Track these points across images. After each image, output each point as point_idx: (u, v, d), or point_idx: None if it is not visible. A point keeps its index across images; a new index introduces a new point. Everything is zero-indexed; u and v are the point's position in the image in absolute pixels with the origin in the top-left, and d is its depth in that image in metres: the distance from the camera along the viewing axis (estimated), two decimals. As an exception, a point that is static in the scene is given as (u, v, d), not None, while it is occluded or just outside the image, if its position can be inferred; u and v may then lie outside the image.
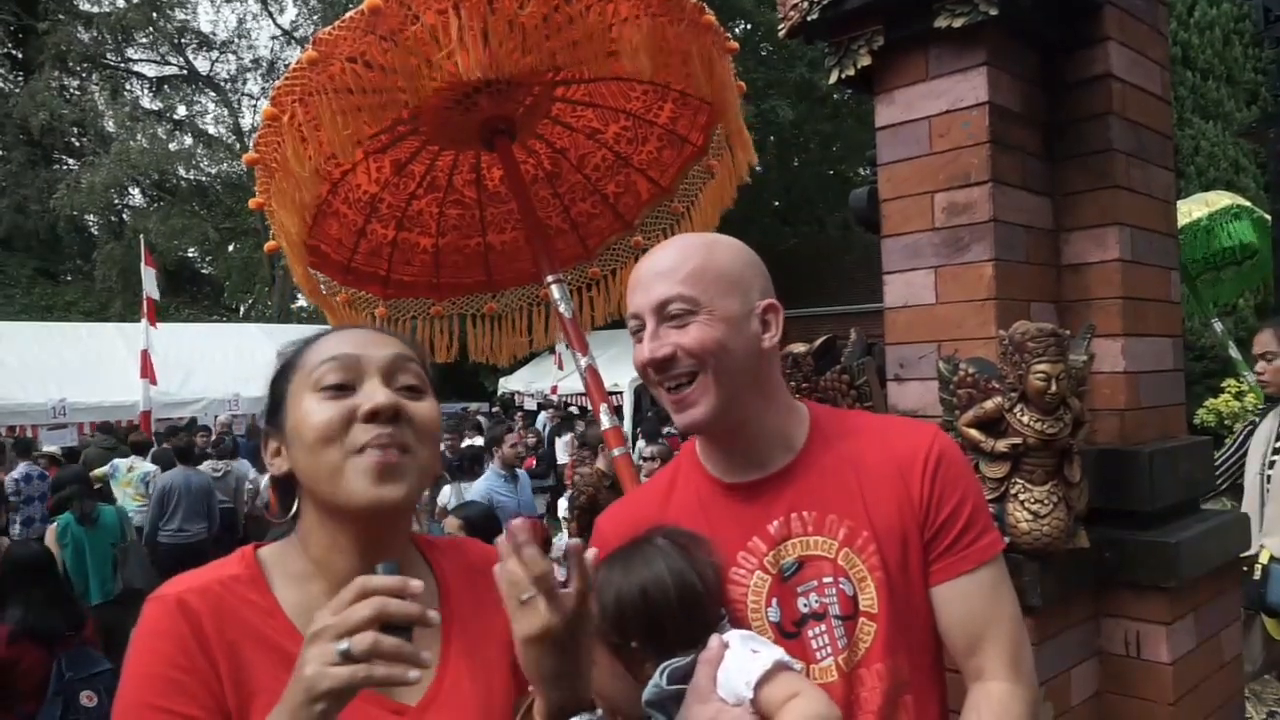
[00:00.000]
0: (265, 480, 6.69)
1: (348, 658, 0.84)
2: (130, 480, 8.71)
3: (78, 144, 26.62)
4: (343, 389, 1.08)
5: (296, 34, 26.00)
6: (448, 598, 1.19)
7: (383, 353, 1.12)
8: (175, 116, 27.02)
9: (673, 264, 1.28)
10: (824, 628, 1.26)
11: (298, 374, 1.12)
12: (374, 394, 1.08)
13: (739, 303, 1.28)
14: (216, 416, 12.56)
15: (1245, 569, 3.57)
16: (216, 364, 14.02)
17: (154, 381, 10.24)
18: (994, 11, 2.03)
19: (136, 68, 27.48)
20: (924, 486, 1.29)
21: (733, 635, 1.21)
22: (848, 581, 1.26)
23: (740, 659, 1.17)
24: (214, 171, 26.69)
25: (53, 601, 3.98)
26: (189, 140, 26.83)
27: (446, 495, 7.63)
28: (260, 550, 1.14)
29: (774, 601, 1.28)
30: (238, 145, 25.70)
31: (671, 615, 1.22)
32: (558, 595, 1.03)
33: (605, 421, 2.97)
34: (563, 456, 12.47)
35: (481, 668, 1.15)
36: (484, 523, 4.24)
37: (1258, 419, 3.84)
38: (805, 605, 1.27)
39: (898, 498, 1.29)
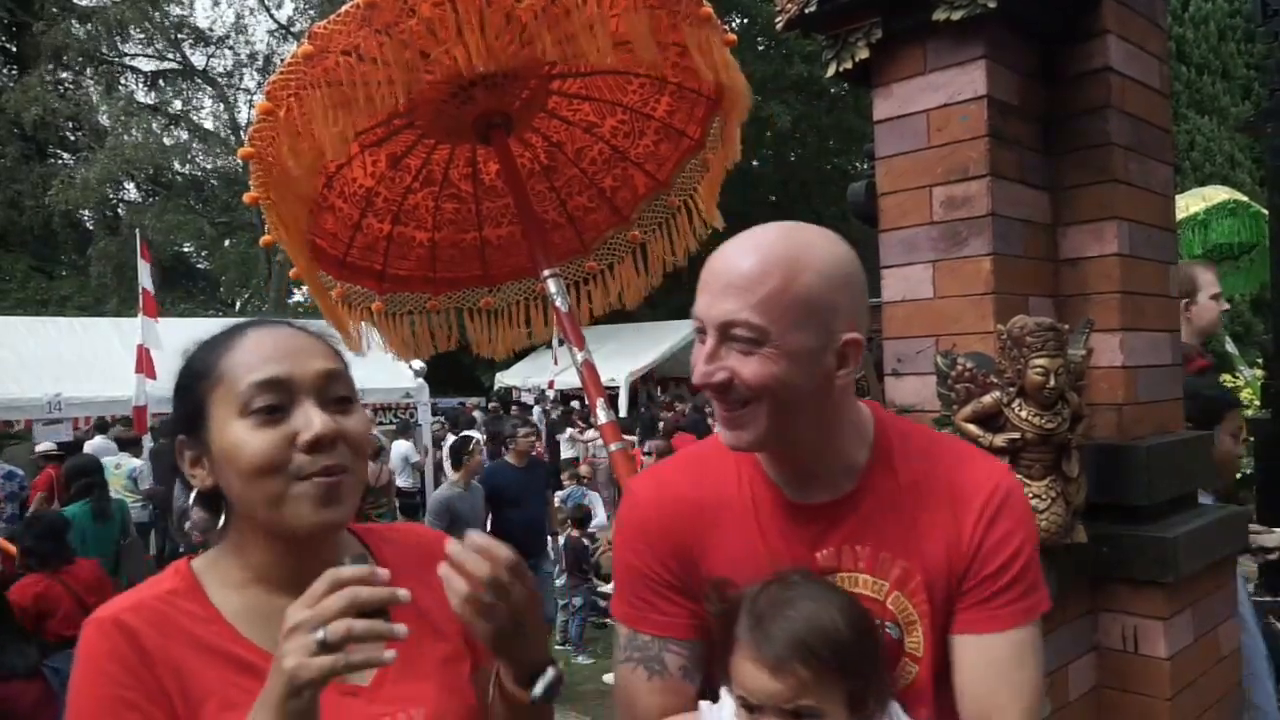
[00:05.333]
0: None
1: (325, 647, 0.87)
2: (119, 477, 8.70)
3: (73, 139, 26.53)
4: (275, 410, 1.05)
5: (293, 29, 25.90)
6: (393, 582, 1.20)
7: (312, 369, 1.09)
8: (171, 111, 26.93)
9: (750, 277, 1.13)
10: None
11: (219, 388, 1.07)
12: (312, 421, 1.05)
13: (815, 336, 1.14)
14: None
15: None
16: (213, 359, 13.92)
17: (152, 376, 10.18)
18: (992, 4, 2.02)
19: (132, 62, 27.38)
20: (976, 532, 1.20)
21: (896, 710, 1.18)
22: (894, 626, 1.20)
23: None
24: (210, 166, 26.62)
25: (21, 637, 3.95)
26: (184, 135, 26.75)
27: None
28: (194, 562, 1.14)
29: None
30: (234, 140, 25.61)
31: (868, 650, 1.15)
32: (507, 589, 1.05)
33: (602, 416, 2.96)
34: (567, 452, 12.47)
35: (429, 645, 1.17)
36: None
37: None
38: None
39: (946, 535, 1.20)
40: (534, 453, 7.16)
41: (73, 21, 24.82)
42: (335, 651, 0.87)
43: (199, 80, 27.51)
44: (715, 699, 1.25)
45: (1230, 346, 6.90)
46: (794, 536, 1.24)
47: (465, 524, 6.03)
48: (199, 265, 29.00)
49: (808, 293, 1.13)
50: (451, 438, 11.38)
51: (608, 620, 8.20)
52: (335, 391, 1.10)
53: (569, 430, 13.15)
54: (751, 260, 1.14)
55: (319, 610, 0.89)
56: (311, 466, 1.04)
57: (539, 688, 1.12)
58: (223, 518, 1.13)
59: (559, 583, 7.49)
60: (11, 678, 3.75)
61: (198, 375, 1.10)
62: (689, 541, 1.28)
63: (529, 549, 6.41)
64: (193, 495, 1.13)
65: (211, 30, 27.63)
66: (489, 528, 6.45)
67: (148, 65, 27.37)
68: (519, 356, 19.07)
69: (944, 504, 1.21)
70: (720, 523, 1.28)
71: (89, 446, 9.68)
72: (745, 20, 20.77)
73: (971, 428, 1.97)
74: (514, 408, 16.16)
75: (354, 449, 1.09)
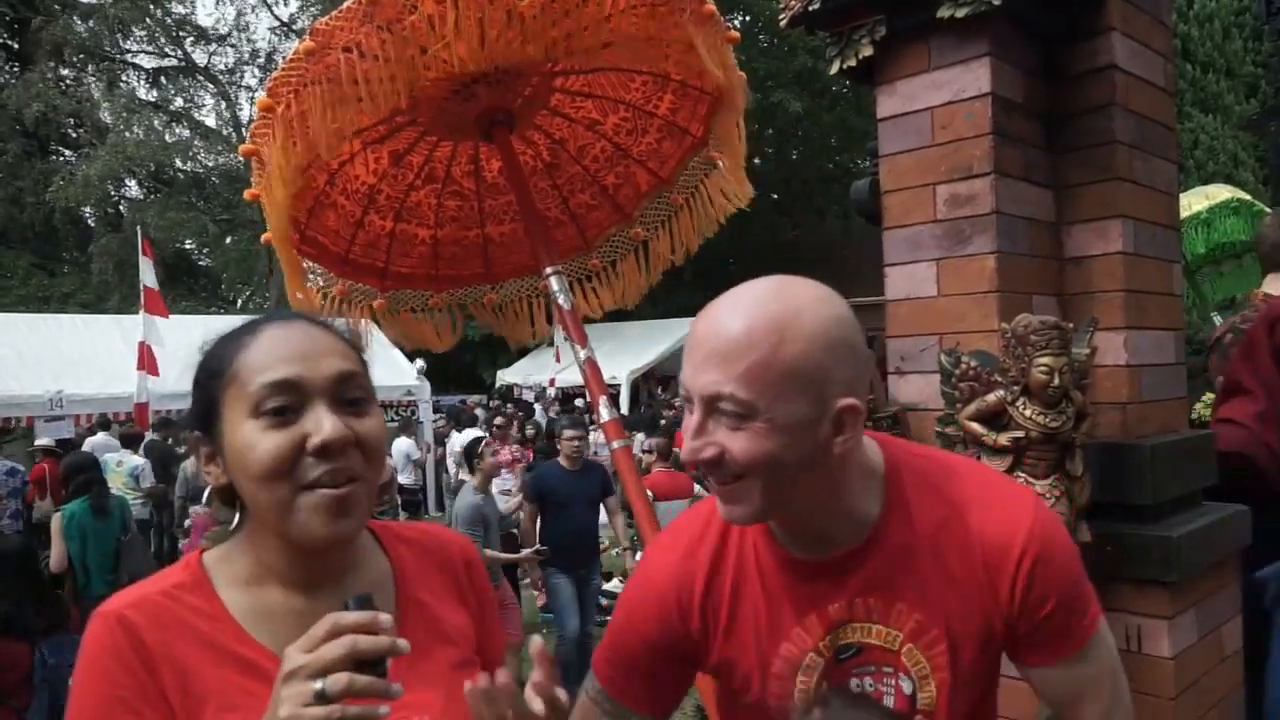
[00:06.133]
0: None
1: (322, 698, 0.85)
2: (120, 474, 8.70)
3: (74, 135, 26.53)
4: (285, 411, 1.03)
5: (295, 26, 25.88)
6: (404, 584, 1.19)
7: (326, 370, 1.06)
8: (172, 108, 26.94)
9: (734, 346, 1.04)
10: None
11: (232, 387, 1.05)
12: (322, 424, 1.02)
13: (807, 406, 1.06)
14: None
15: None
16: (214, 356, 13.93)
17: (154, 373, 10.19)
18: (997, 2, 2.01)
19: (133, 59, 27.38)
20: (1015, 593, 1.15)
21: None
22: (908, 679, 1.18)
23: None
24: (211, 164, 26.61)
25: (35, 597, 3.98)
26: (186, 132, 26.74)
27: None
28: (205, 556, 1.13)
29: (824, 684, 1.21)
30: (235, 137, 25.60)
31: None
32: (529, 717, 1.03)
33: (605, 414, 2.96)
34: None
35: (439, 650, 1.16)
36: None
37: None
38: (858, 687, 1.21)
39: (982, 602, 1.16)
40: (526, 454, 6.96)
41: (74, 18, 24.82)
42: (333, 703, 0.86)
43: (201, 77, 27.51)
44: None
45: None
46: (801, 594, 1.21)
47: (491, 528, 6.01)
48: (201, 262, 29.00)
49: (797, 362, 1.04)
50: (456, 435, 11.38)
51: (609, 619, 8.18)
52: (350, 393, 1.07)
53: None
54: (735, 326, 1.06)
55: (318, 657, 0.87)
56: (316, 470, 1.02)
57: None
58: (237, 515, 1.13)
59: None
60: (10, 636, 3.76)
61: (212, 372, 1.09)
62: (698, 624, 1.26)
63: (577, 559, 6.15)
64: (207, 492, 1.13)
65: (214, 28, 27.63)
66: (538, 532, 6.23)
67: (149, 62, 27.39)
68: (520, 354, 19.07)
69: (972, 559, 1.16)
70: (730, 596, 1.25)
71: (91, 443, 9.67)
72: (748, 18, 20.75)
73: (975, 426, 1.97)
74: (509, 405, 16.13)
75: (367, 454, 1.06)
